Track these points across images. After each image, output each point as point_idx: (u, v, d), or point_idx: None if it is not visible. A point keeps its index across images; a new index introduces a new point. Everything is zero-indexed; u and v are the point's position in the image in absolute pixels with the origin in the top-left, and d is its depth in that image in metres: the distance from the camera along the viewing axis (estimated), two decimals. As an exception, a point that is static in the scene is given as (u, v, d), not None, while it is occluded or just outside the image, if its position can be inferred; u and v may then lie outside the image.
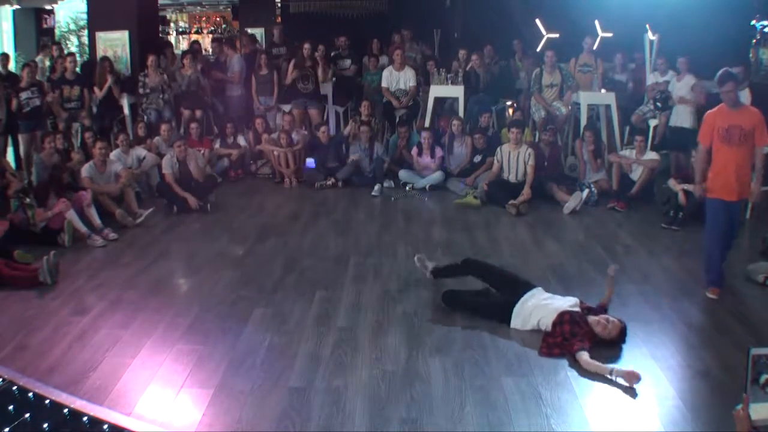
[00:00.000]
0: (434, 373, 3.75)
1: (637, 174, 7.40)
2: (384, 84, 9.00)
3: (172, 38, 16.98)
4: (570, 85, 8.61)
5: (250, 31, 12.21)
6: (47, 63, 10.56)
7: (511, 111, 8.87)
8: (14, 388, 2.96)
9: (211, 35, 16.60)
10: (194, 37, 16.97)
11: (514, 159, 7.48)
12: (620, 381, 3.63)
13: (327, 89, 9.51)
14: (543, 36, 8.92)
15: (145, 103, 8.71)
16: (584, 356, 3.80)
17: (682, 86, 7.86)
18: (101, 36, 9.16)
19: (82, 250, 5.86)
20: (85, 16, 10.82)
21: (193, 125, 8.38)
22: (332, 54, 9.76)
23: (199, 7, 18.30)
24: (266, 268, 5.46)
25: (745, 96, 7.39)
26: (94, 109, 8.56)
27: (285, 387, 3.60)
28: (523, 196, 7.09)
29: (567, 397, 3.52)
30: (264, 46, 10.76)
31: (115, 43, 9.10)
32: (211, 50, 10.25)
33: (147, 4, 9.54)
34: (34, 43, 14.61)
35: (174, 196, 7.09)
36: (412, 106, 9.18)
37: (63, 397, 3.15)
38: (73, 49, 13.65)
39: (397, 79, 8.99)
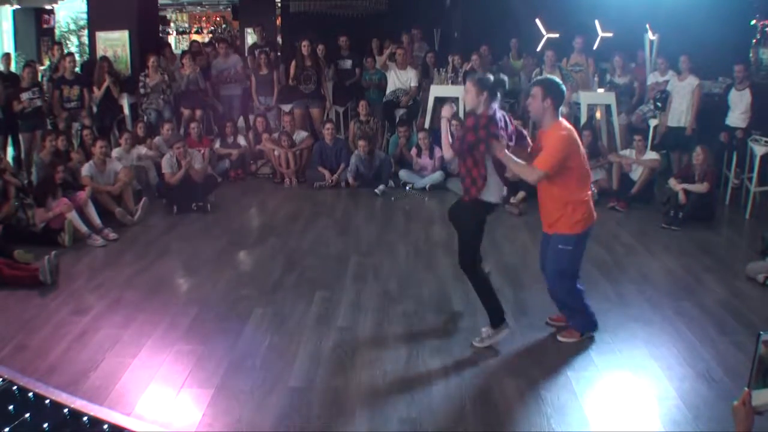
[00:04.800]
0: (434, 373, 3.75)
1: (637, 174, 7.40)
2: (388, 83, 9.02)
3: (172, 38, 17.01)
4: (570, 85, 8.61)
5: (249, 31, 12.25)
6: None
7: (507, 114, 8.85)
8: (14, 388, 2.95)
9: (210, 35, 16.62)
10: (194, 37, 17.01)
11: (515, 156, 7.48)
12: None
13: (327, 89, 9.51)
14: (543, 36, 8.92)
15: (145, 103, 8.72)
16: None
17: (685, 86, 7.82)
18: (101, 36, 9.15)
19: (82, 250, 5.86)
20: (85, 16, 10.82)
21: (193, 125, 8.38)
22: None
23: (199, 7, 18.35)
24: (266, 268, 5.46)
25: (745, 96, 7.40)
26: (94, 109, 8.56)
27: (285, 387, 3.60)
28: (521, 194, 7.09)
29: (567, 397, 3.52)
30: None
31: (115, 43, 9.09)
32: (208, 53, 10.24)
33: (147, 4, 9.53)
34: (34, 43, 14.62)
35: (174, 196, 7.09)
36: (412, 106, 9.19)
37: (63, 397, 3.15)
38: (73, 49, 13.68)
39: (399, 78, 9.00)
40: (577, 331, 4.16)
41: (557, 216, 4.00)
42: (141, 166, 7.57)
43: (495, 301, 4.12)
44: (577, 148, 3.94)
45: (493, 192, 4.00)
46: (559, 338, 4.15)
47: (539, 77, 4.09)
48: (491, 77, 3.97)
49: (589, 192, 4.07)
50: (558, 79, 4.06)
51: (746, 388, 2.16)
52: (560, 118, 3.97)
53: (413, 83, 9.09)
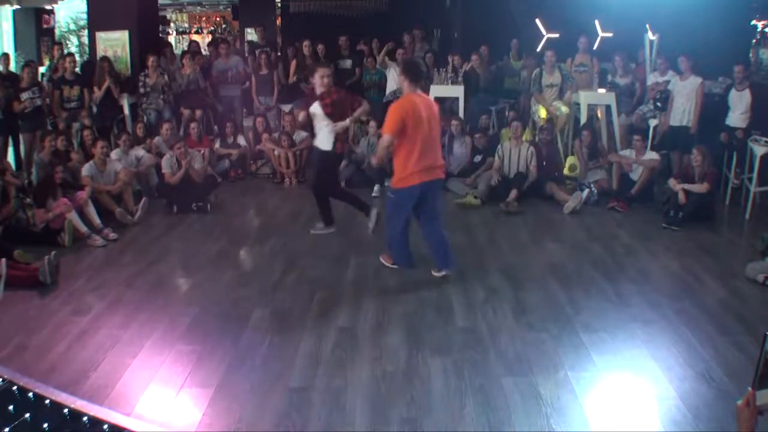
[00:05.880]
0: (434, 373, 3.75)
1: (637, 174, 7.40)
2: (388, 83, 9.04)
3: (172, 38, 17.02)
4: (570, 85, 8.61)
5: (249, 31, 12.25)
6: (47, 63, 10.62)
7: (508, 113, 8.84)
8: (14, 388, 2.95)
9: (210, 35, 16.61)
10: (194, 37, 17.01)
11: (515, 156, 7.51)
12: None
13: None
14: (543, 36, 8.92)
15: (145, 103, 8.72)
16: None
17: (686, 85, 7.80)
18: (101, 36, 9.16)
19: (82, 250, 5.87)
20: (85, 16, 10.83)
21: (193, 125, 8.38)
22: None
23: (199, 7, 18.37)
24: (266, 268, 5.46)
25: (745, 96, 7.40)
26: (94, 109, 8.56)
27: (285, 387, 3.60)
28: (512, 194, 7.09)
29: (567, 397, 3.52)
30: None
31: (115, 43, 9.09)
32: (208, 52, 10.25)
33: (147, 4, 9.53)
34: (34, 43, 14.63)
35: (174, 196, 7.10)
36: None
37: (63, 397, 3.14)
38: (73, 49, 13.68)
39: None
40: (390, 258, 5.30)
41: (394, 171, 5.00)
42: (143, 173, 7.55)
43: (329, 209, 6.13)
44: (412, 116, 4.78)
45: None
46: (380, 258, 5.35)
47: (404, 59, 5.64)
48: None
49: (418, 160, 4.81)
50: (417, 61, 5.34)
51: (750, 388, 2.14)
52: (417, 91, 5.00)
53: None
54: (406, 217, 5.03)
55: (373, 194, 7.73)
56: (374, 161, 5.42)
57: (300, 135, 8.58)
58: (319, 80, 5.81)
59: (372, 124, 8.25)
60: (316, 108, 5.83)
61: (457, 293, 4.88)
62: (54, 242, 5.77)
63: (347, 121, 5.84)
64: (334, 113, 5.77)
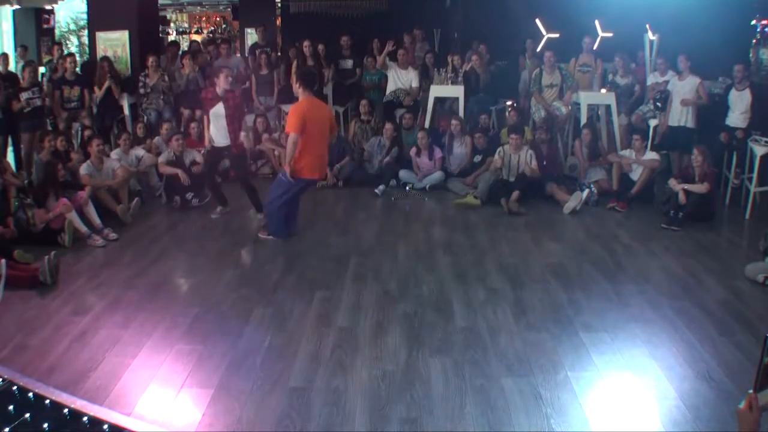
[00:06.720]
0: (434, 373, 3.75)
1: (637, 174, 7.40)
2: (388, 83, 9.03)
3: (171, 38, 17.01)
4: (570, 86, 8.60)
5: (249, 31, 12.22)
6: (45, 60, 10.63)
7: (509, 113, 8.82)
8: (14, 388, 2.95)
9: (210, 35, 16.61)
10: (194, 37, 17.00)
11: (515, 161, 7.49)
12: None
13: (327, 89, 9.51)
14: (543, 36, 8.91)
15: (145, 103, 8.71)
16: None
17: (684, 85, 7.81)
18: (101, 36, 9.15)
19: (82, 250, 5.86)
20: (85, 16, 10.82)
21: (193, 125, 8.36)
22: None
23: (199, 7, 18.35)
24: (266, 268, 5.46)
25: (745, 96, 7.40)
26: (94, 109, 8.56)
27: (285, 387, 3.60)
28: (514, 195, 7.09)
29: (567, 397, 3.52)
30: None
31: (115, 43, 9.09)
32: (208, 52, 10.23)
33: (147, 4, 9.53)
34: (34, 43, 14.62)
35: (173, 190, 7.15)
36: (412, 106, 9.19)
37: (63, 397, 3.14)
38: (73, 49, 13.67)
39: (401, 78, 9.01)
40: (266, 231, 6.10)
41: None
42: (143, 173, 7.57)
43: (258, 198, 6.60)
44: (309, 115, 5.70)
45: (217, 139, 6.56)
46: (259, 235, 6.14)
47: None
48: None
49: (311, 158, 5.78)
50: (310, 70, 6.86)
51: (750, 392, 2.12)
52: (309, 96, 5.87)
53: (414, 83, 9.08)
54: (288, 198, 5.94)
55: (376, 191, 7.74)
56: (286, 169, 5.86)
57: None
58: (224, 80, 6.37)
59: (388, 125, 8.30)
60: (219, 108, 6.36)
61: (457, 293, 4.88)
62: (54, 242, 5.76)
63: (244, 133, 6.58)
64: (232, 114, 6.40)
